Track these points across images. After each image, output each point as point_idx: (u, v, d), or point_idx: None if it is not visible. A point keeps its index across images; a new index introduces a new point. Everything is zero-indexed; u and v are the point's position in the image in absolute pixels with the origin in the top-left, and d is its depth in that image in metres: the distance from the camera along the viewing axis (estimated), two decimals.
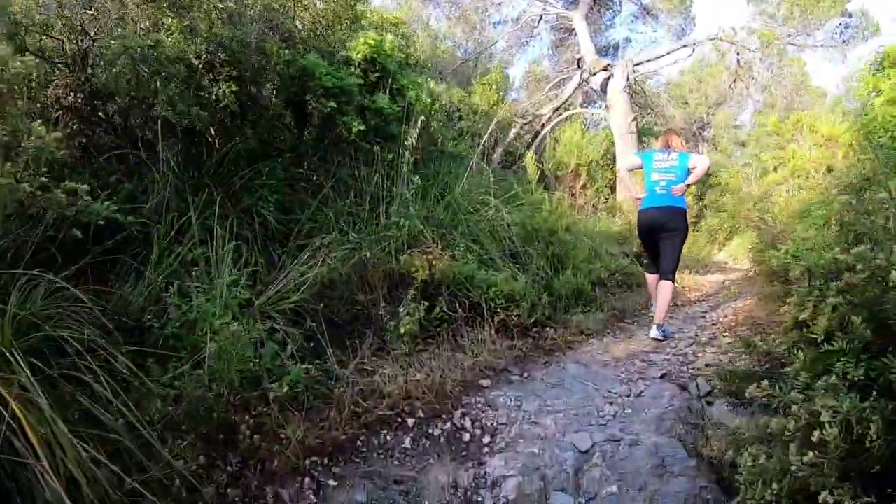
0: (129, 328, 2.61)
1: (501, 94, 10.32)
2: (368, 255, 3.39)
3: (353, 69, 4.34)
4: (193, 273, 3.07)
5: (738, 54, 10.84)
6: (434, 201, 4.42)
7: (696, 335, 4.39)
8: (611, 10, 15.00)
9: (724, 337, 4.17)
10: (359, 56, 4.42)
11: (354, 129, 4.14)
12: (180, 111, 3.48)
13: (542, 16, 13.76)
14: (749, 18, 11.34)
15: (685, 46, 11.39)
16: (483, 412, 3.02)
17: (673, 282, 4.50)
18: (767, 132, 8.49)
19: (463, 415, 2.98)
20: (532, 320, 3.84)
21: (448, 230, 4.12)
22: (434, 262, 3.45)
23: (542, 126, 9.12)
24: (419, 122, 4.12)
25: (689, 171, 4.46)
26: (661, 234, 4.44)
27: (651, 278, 4.81)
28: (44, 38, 3.45)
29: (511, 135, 8.68)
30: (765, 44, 10.11)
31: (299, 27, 4.54)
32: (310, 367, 2.83)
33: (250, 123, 4.18)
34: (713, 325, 4.76)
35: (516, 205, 4.37)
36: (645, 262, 5.49)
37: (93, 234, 2.71)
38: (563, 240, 4.13)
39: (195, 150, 3.95)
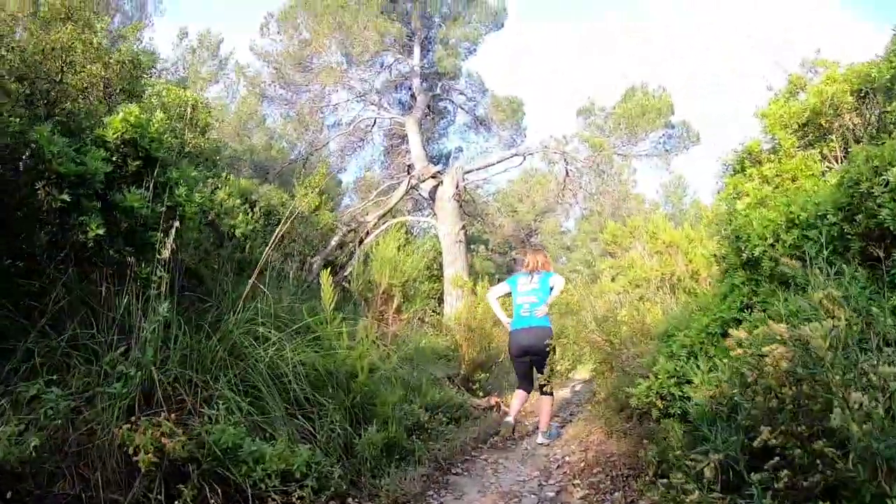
0: None
1: (332, 198, 9.58)
2: (36, 441, 2.17)
3: (108, 153, 3.28)
4: None
5: (566, 163, 11.25)
6: (205, 334, 3.32)
7: (541, 486, 3.64)
8: (445, 119, 15.38)
9: (576, 487, 3.45)
10: (115, 136, 3.38)
11: (91, 233, 3.04)
12: None
13: (375, 120, 13.67)
14: (579, 130, 11.98)
15: (516, 155, 11.68)
16: None
17: (551, 395, 4.83)
18: (603, 239, 8.60)
19: None
20: (324, 499, 2.81)
21: (214, 376, 3.03)
22: (166, 438, 2.33)
23: (367, 234, 8.42)
24: (174, 231, 3.09)
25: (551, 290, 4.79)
26: (533, 357, 4.71)
27: (520, 393, 4.90)
28: None
29: (333, 243, 7.81)
30: (595, 151, 10.59)
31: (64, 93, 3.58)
32: None
33: None
34: (559, 466, 4.04)
35: (311, 338, 3.40)
36: (515, 381, 5.35)
37: None
38: (365, 384, 3.20)
39: None
